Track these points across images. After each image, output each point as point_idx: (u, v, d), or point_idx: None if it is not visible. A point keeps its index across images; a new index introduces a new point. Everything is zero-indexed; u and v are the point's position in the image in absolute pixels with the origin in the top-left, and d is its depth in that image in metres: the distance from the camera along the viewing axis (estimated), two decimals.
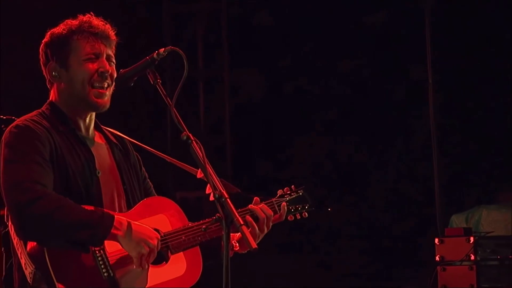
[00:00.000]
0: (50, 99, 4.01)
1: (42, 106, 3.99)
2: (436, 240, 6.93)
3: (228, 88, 9.57)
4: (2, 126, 5.57)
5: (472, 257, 6.69)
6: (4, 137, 3.81)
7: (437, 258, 6.90)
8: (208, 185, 3.61)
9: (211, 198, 3.58)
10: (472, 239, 6.73)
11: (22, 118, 3.89)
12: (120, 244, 3.70)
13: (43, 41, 4.00)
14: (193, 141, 3.64)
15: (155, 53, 3.81)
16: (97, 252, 3.70)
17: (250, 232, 3.95)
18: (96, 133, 4.04)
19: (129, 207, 3.94)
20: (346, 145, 9.68)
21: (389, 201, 9.51)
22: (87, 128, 3.99)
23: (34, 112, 3.94)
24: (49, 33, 3.98)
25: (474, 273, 6.66)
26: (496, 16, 9.03)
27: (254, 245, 3.42)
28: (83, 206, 3.70)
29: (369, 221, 9.49)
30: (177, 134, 3.69)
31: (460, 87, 9.22)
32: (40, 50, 4.01)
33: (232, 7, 9.67)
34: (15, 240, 3.79)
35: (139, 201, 3.97)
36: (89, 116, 3.98)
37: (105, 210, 3.77)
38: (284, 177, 9.39)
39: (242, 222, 3.46)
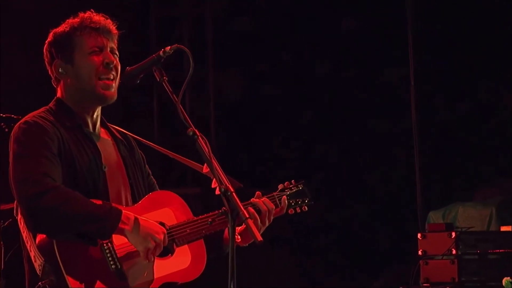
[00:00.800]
0: (57, 96, 3.96)
1: (49, 103, 3.95)
2: (419, 235, 6.94)
3: (212, 90, 9.54)
4: (2, 124, 5.55)
5: (454, 252, 6.69)
6: (13, 133, 3.77)
7: (419, 253, 6.90)
8: (214, 179, 3.56)
9: (217, 192, 3.54)
10: (453, 234, 6.74)
11: (30, 114, 3.84)
12: (127, 238, 3.67)
13: (46, 41, 3.96)
14: (199, 137, 3.61)
15: (161, 51, 3.77)
16: (104, 245, 3.66)
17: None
18: (102, 129, 4.01)
19: (135, 201, 3.91)
20: (324, 146, 9.67)
21: (371, 198, 9.52)
22: (94, 124, 3.95)
23: (42, 109, 3.90)
24: (51, 32, 3.95)
25: (456, 266, 6.67)
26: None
27: (259, 237, 3.40)
28: (91, 200, 3.66)
29: (349, 218, 9.49)
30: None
31: (440, 88, 9.25)
32: (44, 50, 3.97)
33: (215, 12, 9.66)
34: (24, 233, 3.76)
35: (144, 195, 3.94)
36: (96, 111, 3.95)
37: (113, 204, 3.74)
38: (267, 177, 9.38)
39: (247, 216, 3.44)
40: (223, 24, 9.68)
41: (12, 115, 5.45)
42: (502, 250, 6.86)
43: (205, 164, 3.66)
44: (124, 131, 4.10)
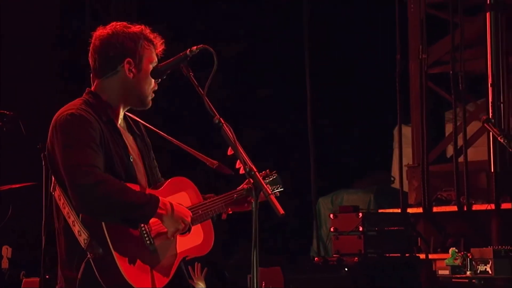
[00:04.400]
0: (93, 89, 3.76)
1: (83, 95, 3.75)
2: (331, 215, 7.04)
3: None
4: None
5: (361, 229, 6.83)
6: (59, 124, 3.58)
7: (331, 229, 7.01)
8: (238, 160, 3.56)
9: (241, 171, 3.55)
10: (360, 214, 6.88)
11: (72, 105, 3.65)
12: (162, 221, 3.61)
13: (113, 34, 3.69)
14: (224, 124, 3.56)
15: (188, 50, 3.66)
16: (142, 225, 3.62)
17: (246, 208, 3.93)
18: (124, 123, 3.88)
19: (149, 185, 3.82)
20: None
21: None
22: (120, 120, 3.82)
23: (79, 101, 3.70)
24: (120, 29, 3.70)
25: (362, 241, 6.81)
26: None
27: (281, 211, 3.39)
28: (130, 186, 3.59)
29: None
30: None
31: (330, 96, 9.42)
32: (110, 40, 3.68)
33: None
34: (65, 209, 3.59)
35: (154, 180, 3.86)
36: (127, 108, 3.83)
37: (148, 190, 3.68)
38: None
39: (270, 192, 3.43)
40: None
41: (5, 112, 5.20)
42: (396, 228, 7.08)
43: (229, 148, 3.60)
44: (137, 119, 3.95)
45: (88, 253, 3.48)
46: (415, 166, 8.50)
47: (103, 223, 3.48)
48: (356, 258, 6.70)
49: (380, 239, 6.88)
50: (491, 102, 7.82)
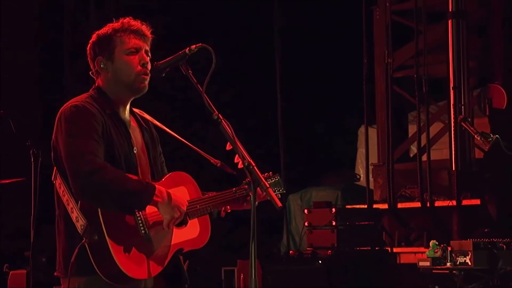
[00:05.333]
0: (96, 84, 3.82)
1: (90, 90, 3.81)
2: (306, 211, 7.07)
3: None
4: None
5: (333, 223, 6.87)
6: (64, 115, 3.64)
7: (306, 224, 7.04)
8: (237, 155, 3.59)
9: (240, 165, 3.57)
10: (334, 209, 6.92)
11: (78, 99, 3.71)
12: (158, 208, 3.62)
13: (90, 41, 3.82)
14: (222, 120, 3.58)
15: (187, 49, 3.70)
16: (137, 213, 3.61)
17: (245, 207, 3.95)
18: (131, 116, 3.90)
19: (153, 178, 3.83)
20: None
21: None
22: (125, 112, 3.85)
23: (85, 95, 3.77)
24: (95, 34, 3.81)
25: (335, 235, 6.85)
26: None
27: (279, 203, 3.45)
28: (128, 175, 3.61)
29: None
30: None
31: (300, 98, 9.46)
32: (88, 48, 3.82)
33: None
34: (65, 197, 3.62)
35: (158, 173, 3.87)
36: (128, 102, 3.85)
37: (146, 180, 3.69)
38: None
39: (268, 186, 3.47)
40: None
41: None
42: (366, 223, 7.14)
43: (228, 143, 3.61)
44: (145, 114, 3.98)
45: (84, 238, 3.49)
46: (380, 164, 8.58)
47: (99, 211, 3.49)
48: (330, 251, 6.74)
49: (351, 233, 6.93)
50: (453, 104, 7.92)
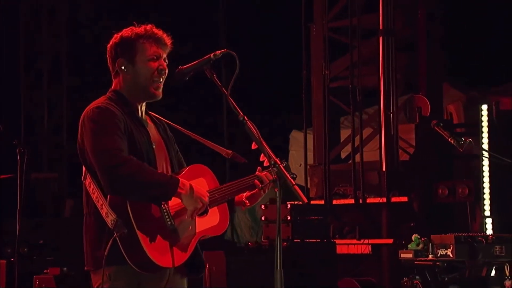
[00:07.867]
0: (113, 87, 3.64)
1: (107, 93, 3.62)
2: (263, 206, 6.97)
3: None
4: None
5: (289, 218, 6.79)
6: (87, 116, 3.47)
7: (262, 218, 6.93)
8: (262, 154, 3.52)
9: (266, 163, 3.51)
10: (289, 205, 6.85)
11: (98, 101, 3.54)
12: (182, 200, 3.47)
13: (112, 41, 3.60)
14: (247, 121, 3.47)
15: (212, 54, 3.56)
16: (163, 205, 3.46)
17: (256, 193, 3.77)
18: (146, 116, 3.73)
19: (173, 171, 3.68)
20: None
21: None
22: (142, 112, 3.68)
23: (104, 97, 3.59)
24: (118, 35, 3.60)
25: (290, 228, 6.78)
26: None
27: (305, 199, 3.41)
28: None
29: None
30: None
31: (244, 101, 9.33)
32: (109, 48, 3.61)
33: None
34: (94, 194, 3.45)
35: (177, 167, 3.72)
36: (144, 103, 3.68)
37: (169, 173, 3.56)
38: None
39: (293, 183, 3.37)
40: None
41: None
42: (317, 217, 7.10)
43: (253, 142, 3.48)
44: (159, 117, 3.82)
45: (114, 232, 3.34)
46: (315, 165, 8.59)
47: (128, 206, 3.36)
48: (285, 243, 6.67)
49: (303, 227, 6.88)
50: (383, 112, 8.03)
